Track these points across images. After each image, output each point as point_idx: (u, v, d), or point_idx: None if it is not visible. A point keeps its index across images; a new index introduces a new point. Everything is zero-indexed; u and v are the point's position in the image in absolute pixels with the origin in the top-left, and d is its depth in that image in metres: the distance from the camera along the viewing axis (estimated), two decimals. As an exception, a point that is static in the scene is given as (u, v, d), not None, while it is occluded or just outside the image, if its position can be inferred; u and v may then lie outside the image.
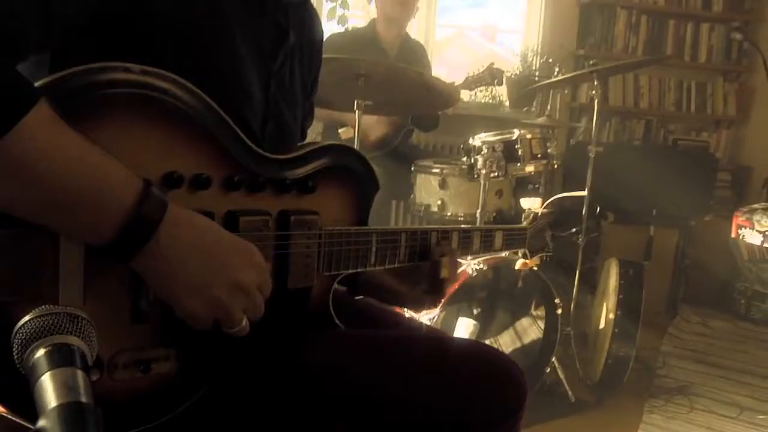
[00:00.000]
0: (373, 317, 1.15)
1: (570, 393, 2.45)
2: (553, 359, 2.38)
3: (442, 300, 1.13)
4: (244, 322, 0.78)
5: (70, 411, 0.40)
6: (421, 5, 3.45)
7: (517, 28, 4.58)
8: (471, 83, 2.96)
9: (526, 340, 2.55)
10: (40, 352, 0.45)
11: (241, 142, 0.84)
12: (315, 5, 3.53)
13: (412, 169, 2.84)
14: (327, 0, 4.14)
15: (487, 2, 5.05)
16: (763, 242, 2.08)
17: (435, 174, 2.71)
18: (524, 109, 3.82)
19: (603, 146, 2.73)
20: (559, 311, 2.28)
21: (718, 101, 4.52)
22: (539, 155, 2.38)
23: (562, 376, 2.45)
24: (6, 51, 0.68)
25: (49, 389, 0.42)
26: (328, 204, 0.96)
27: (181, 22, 0.81)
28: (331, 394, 0.90)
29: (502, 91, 4.27)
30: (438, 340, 1.08)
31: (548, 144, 2.43)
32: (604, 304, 2.60)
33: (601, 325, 2.59)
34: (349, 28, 3.99)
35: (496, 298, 2.52)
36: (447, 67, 4.80)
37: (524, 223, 1.39)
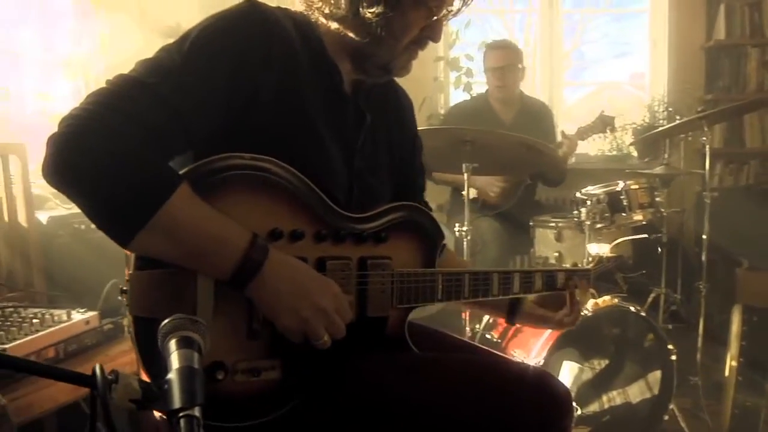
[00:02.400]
0: (446, 344, 1.37)
1: (695, 443, 2.42)
2: (673, 407, 2.38)
3: (578, 320, 1.45)
4: (326, 337, 1.04)
5: (186, 370, 0.66)
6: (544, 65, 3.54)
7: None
8: (583, 133, 3.08)
9: (656, 390, 2.55)
10: (173, 340, 0.72)
11: (327, 205, 1.11)
12: (442, 75, 3.82)
13: (531, 224, 3.00)
14: (453, 70, 4.46)
15: (633, 50, 5.04)
16: None
17: (551, 228, 2.86)
18: (645, 160, 3.83)
19: (719, 191, 2.73)
20: (674, 357, 2.30)
21: None
22: (646, 204, 2.46)
23: (683, 424, 2.43)
24: (161, 154, 1.00)
25: (175, 360, 0.69)
26: (400, 250, 1.21)
27: (277, 127, 1.10)
28: (395, 405, 1.11)
29: (627, 140, 4.30)
30: (492, 363, 1.26)
31: (656, 192, 2.50)
32: (729, 352, 2.55)
33: (726, 374, 2.54)
34: (472, 95, 4.25)
35: (624, 348, 2.56)
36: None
37: (590, 266, 1.53)
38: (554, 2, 4.54)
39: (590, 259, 1.56)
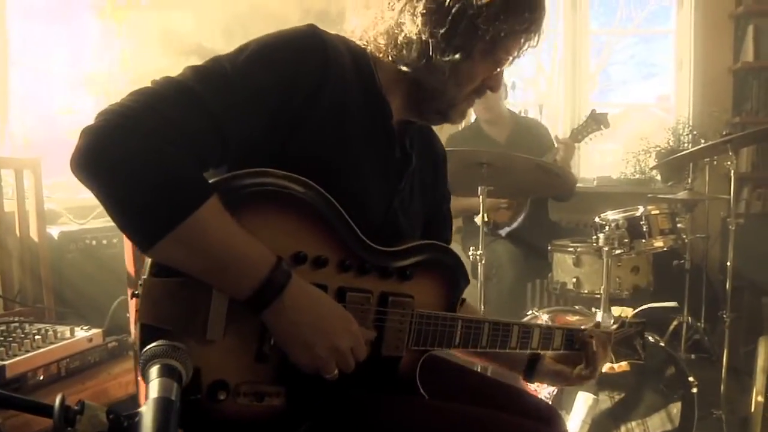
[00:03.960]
0: (459, 377, 1.34)
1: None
2: (695, 442, 2.29)
3: (596, 375, 1.37)
4: (336, 371, 1.02)
5: (162, 401, 0.63)
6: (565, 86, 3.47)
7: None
8: (578, 134, 3.02)
9: (677, 423, 2.47)
10: (155, 367, 0.69)
11: (357, 236, 1.07)
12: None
13: (549, 248, 2.94)
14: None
15: (659, 72, 4.96)
16: None
17: (570, 252, 2.79)
18: (668, 184, 3.74)
19: (745, 217, 2.66)
20: (695, 389, 2.22)
21: None
22: (667, 230, 2.39)
23: (706, 460, 2.34)
24: (195, 162, 0.94)
25: (154, 388, 0.66)
26: (423, 290, 1.16)
27: (319, 153, 1.06)
28: None
29: (650, 164, 4.21)
30: (500, 415, 1.19)
31: (677, 219, 2.44)
32: (754, 387, 2.46)
33: (752, 409, 2.44)
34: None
35: (643, 378, 2.49)
36: (622, 141, 4.79)
37: (612, 328, 1.48)
38: (580, 23, 4.50)
39: (612, 321, 1.50)
